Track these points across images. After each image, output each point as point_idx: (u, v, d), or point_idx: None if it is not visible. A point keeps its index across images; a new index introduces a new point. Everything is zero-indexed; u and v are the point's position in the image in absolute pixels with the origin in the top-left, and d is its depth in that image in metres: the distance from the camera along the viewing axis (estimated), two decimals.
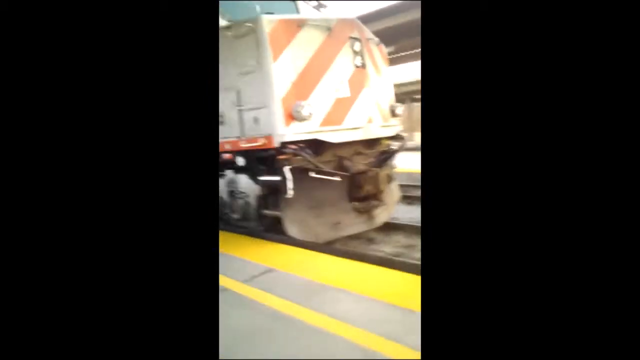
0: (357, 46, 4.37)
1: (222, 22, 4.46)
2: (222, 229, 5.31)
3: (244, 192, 4.88)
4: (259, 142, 4.09)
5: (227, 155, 4.84)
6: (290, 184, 3.95)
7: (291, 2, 5.17)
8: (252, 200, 4.76)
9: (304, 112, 3.87)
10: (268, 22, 3.91)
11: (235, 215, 5.07)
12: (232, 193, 5.03)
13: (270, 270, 3.41)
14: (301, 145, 3.98)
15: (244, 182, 4.82)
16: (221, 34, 4.41)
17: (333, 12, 4.89)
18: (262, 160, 4.41)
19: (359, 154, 4.66)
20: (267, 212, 4.47)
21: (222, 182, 5.14)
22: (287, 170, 3.95)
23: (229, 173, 5.01)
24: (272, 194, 4.44)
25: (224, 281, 3.25)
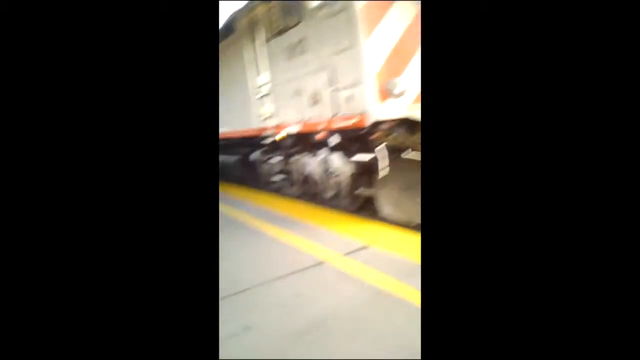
0: None
1: (313, 3, 4.48)
2: (316, 204, 5.55)
3: (335, 172, 5.00)
4: (353, 121, 4.10)
5: (320, 135, 4.97)
6: (383, 163, 3.91)
7: None
8: (344, 180, 4.85)
9: (398, 89, 3.75)
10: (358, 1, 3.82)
11: (329, 194, 5.24)
12: (325, 172, 5.18)
13: (364, 247, 3.49)
14: (395, 123, 3.89)
15: (336, 161, 4.92)
16: (312, 14, 4.45)
17: None
18: (355, 139, 4.44)
19: None
20: (359, 191, 4.52)
21: (315, 161, 5.32)
22: (380, 149, 3.92)
23: (322, 152, 5.16)
24: (365, 173, 4.46)
25: (320, 253, 3.44)
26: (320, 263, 3.26)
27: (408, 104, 3.94)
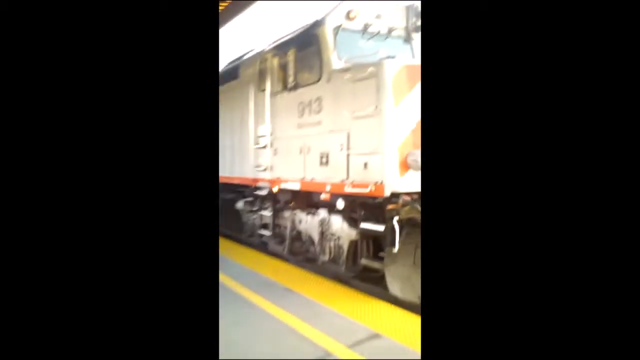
0: None
1: (339, 64, 4.45)
2: (308, 269, 5.15)
3: (335, 235, 4.71)
4: (367, 189, 3.91)
5: (325, 196, 4.73)
6: (397, 237, 3.68)
7: (407, 45, 5.08)
8: (345, 244, 4.56)
9: (421, 162, 3.63)
10: (391, 67, 3.80)
11: (324, 257, 4.89)
12: (324, 233, 4.87)
13: (376, 336, 3.11)
14: (414, 197, 3.72)
15: (337, 224, 4.65)
16: (338, 75, 4.40)
17: None
18: (365, 206, 4.22)
19: None
20: (366, 261, 4.22)
21: (313, 220, 5.02)
22: (395, 221, 3.71)
23: (322, 212, 4.89)
24: (374, 243, 4.20)
25: (325, 342, 3.01)
26: (326, 355, 2.82)
27: None
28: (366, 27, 4.78)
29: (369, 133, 3.97)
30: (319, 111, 4.67)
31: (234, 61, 7.25)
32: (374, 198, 3.98)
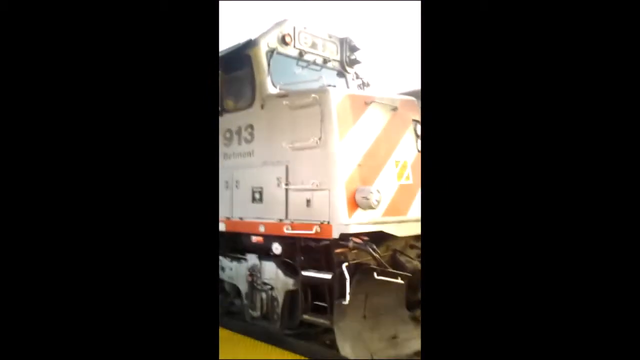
0: (419, 129, 3.96)
1: (273, 90, 3.98)
2: (233, 328, 4.30)
3: (268, 284, 4.02)
4: (312, 230, 3.37)
5: (257, 238, 4.05)
6: (348, 286, 3.17)
7: (341, 78, 4.85)
8: (280, 296, 3.89)
9: (373, 199, 3.25)
10: (336, 95, 3.45)
11: (254, 312, 4.12)
12: (253, 283, 4.14)
13: None
14: (365, 238, 3.29)
15: (271, 271, 3.99)
16: (274, 102, 3.90)
17: (375, 91, 4.54)
18: (308, 250, 3.66)
19: (412, 247, 4.01)
20: (308, 317, 3.59)
21: (241, 268, 4.26)
22: (344, 267, 3.21)
23: (252, 258, 4.18)
24: (314, 294, 3.61)
25: None
26: None
27: (378, 216, 3.45)
28: (301, 54, 4.45)
29: (312, 166, 3.49)
30: (250, 140, 4.08)
31: None
32: (318, 240, 3.45)
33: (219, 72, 4.51)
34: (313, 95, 3.47)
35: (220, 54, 4.67)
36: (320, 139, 3.42)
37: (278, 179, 3.72)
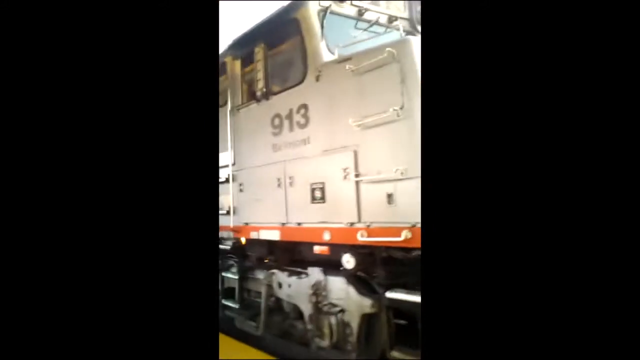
0: None
1: (330, 57, 3.09)
2: (296, 357, 3.48)
3: (337, 306, 3.13)
4: (401, 237, 2.41)
5: (321, 249, 3.18)
6: None
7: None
8: (353, 321, 2.99)
9: None
10: (419, 46, 2.48)
11: (322, 341, 3.25)
12: (318, 304, 3.27)
13: None
14: None
15: (339, 289, 3.11)
16: (332, 70, 3.01)
17: None
18: (389, 262, 2.72)
19: None
20: (399, 355, 2.63)
21: (302, 284, 3.43)
22: None
23: (314, 272, 3.32)
24: (410, 322, 2.66)
25: None
26: None
27: None
28: (361, 13, 3.53)
29: (393, 147, 2.56)
30: (304, 124, 3.22)
31: None
32: (408, 250, 2.50)
33: (261, 45, 3.72)
34: (388, 49, 2.53)
35: (259, 24, 3.87)
36: (402, 107, 2.47)
37: (345, 169, 2.82)
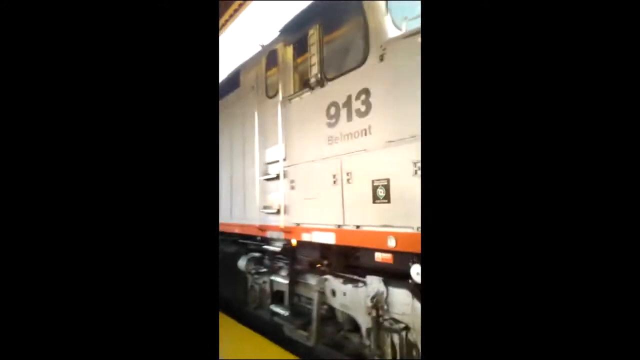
0: None
1: (396, 33, 2.66)
2: None
3: (401, 322, 2.70)
4: None
5: (383, 256, 2.76)
6: None
7: None
8: (420, 340, 2.53)
9: None
10: None
11: (382, 357, 2.84)
12: (379, 317, 2.86)
13: None
14: None
15: (403, 302, 2.69)
16: (399, 48, 2.58)
17: None
18: None
19: None
20: None
21: (359, 294, 3.03)
22: None
23: (373, 281, 2.91)
24: None
25: None
26: None
27: None
28: None
29: None
30: (365, 112, 2.82)
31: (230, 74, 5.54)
32: None
33: (316, 26, 3.36)
34: None
35: (310, 4, 3.51)
36: None
37: (415, 163, 2.37)
